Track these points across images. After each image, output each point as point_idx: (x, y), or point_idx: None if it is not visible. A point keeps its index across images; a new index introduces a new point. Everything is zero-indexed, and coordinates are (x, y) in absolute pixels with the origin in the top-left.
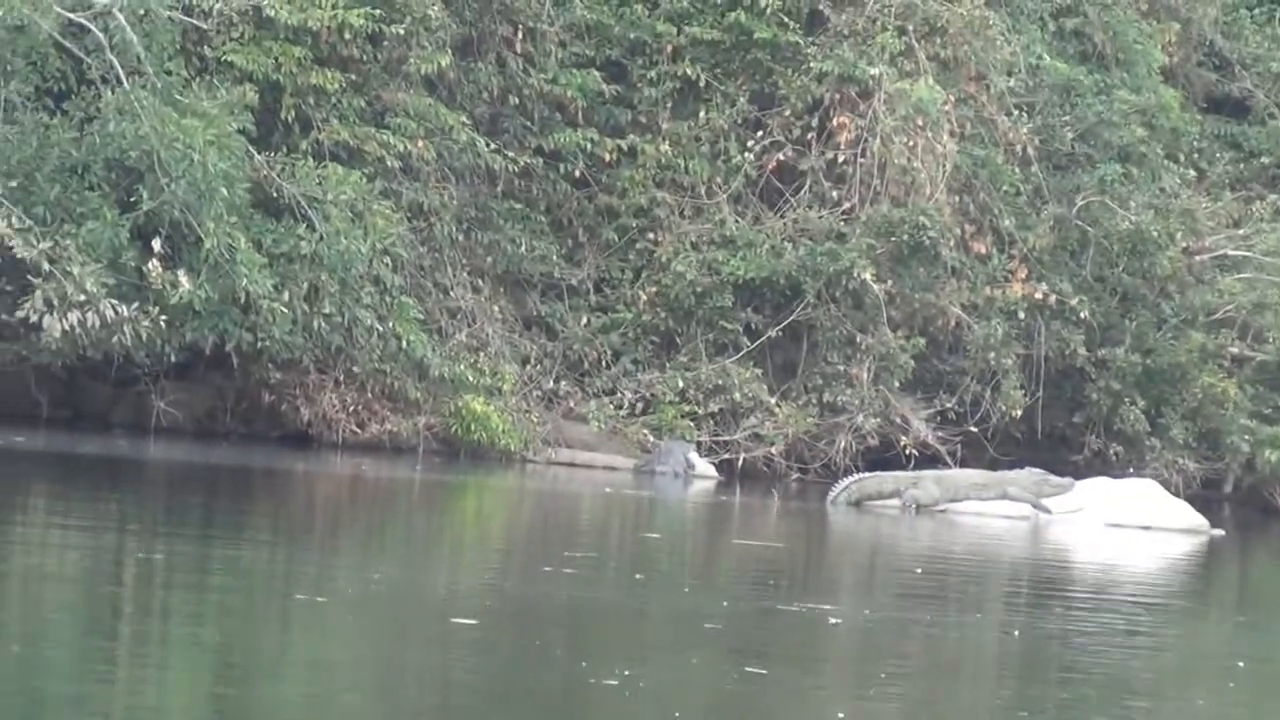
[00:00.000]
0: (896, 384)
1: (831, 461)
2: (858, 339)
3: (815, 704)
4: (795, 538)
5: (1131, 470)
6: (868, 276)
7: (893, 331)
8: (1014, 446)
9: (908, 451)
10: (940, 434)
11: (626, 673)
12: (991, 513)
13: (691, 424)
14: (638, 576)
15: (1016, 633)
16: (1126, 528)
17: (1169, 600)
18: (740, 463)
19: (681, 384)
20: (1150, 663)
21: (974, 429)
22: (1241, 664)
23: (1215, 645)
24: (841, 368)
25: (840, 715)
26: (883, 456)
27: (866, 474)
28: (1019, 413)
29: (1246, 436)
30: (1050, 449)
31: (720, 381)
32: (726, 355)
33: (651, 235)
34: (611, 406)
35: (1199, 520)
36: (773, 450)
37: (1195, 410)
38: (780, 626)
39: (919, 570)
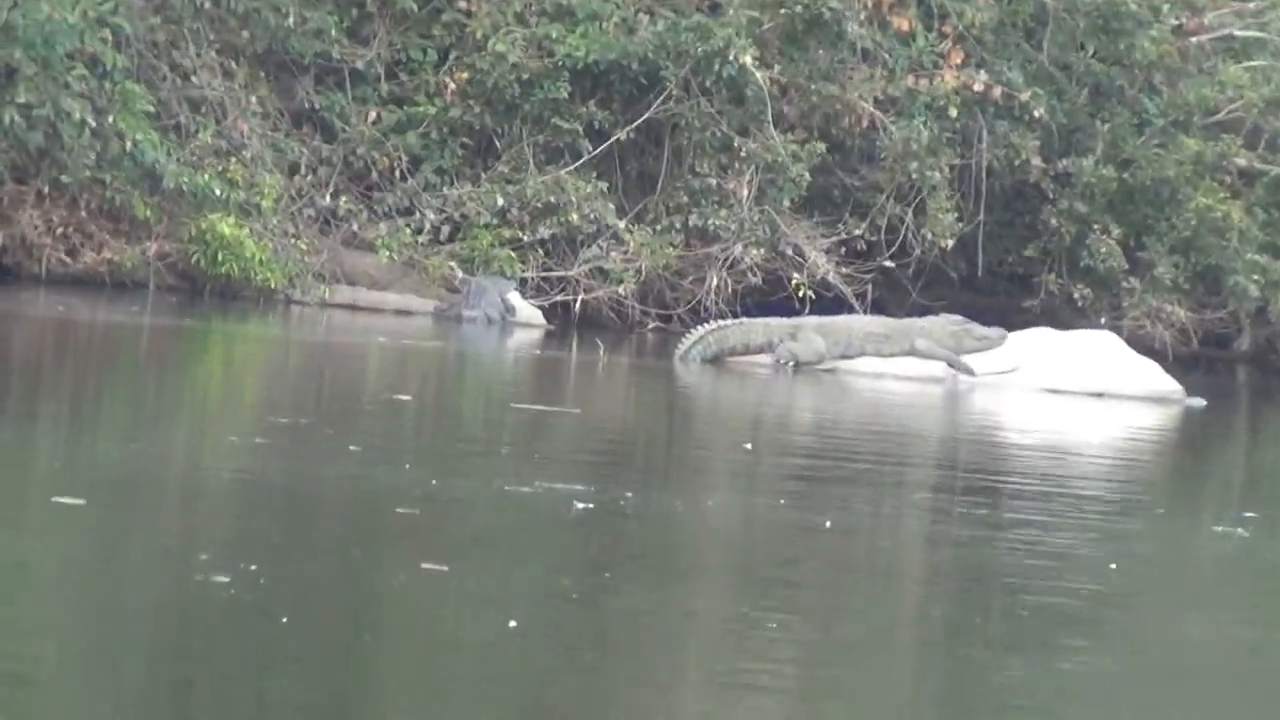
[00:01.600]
0: (787, 203)
1: (700, 305)
2: (736, 144)
3: (490, 611)
4: (606, 402)
5: (1104, 320)
6: (748, 60)
7: (782, 134)
8: (946, 288)
9: (802, 293)
10: (846, 270)
11: (253, 568)
12: (895, 373)
13: (513, 255)
14: (352, 449)
15: (829, 523)
16: (1072, 394)
17: (1106, 492)
18: (578, 306)
19: (501, 201)
20: (1075, 569)
21: (890, 264)
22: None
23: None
24: (714, 181)
25: (513, 624)
26: (768, 300)
27: (729, 322)
28: (950, 243)
29: (1255, 276)
30: (995, 292)
31: (553, 199)
32: (561, 164)
33: (463, 3)
34: (408, 231)
35: (1169, 385)
36: (621, 290)
37: (1188, 241)
38: (499, 512)
39: (747, 445)
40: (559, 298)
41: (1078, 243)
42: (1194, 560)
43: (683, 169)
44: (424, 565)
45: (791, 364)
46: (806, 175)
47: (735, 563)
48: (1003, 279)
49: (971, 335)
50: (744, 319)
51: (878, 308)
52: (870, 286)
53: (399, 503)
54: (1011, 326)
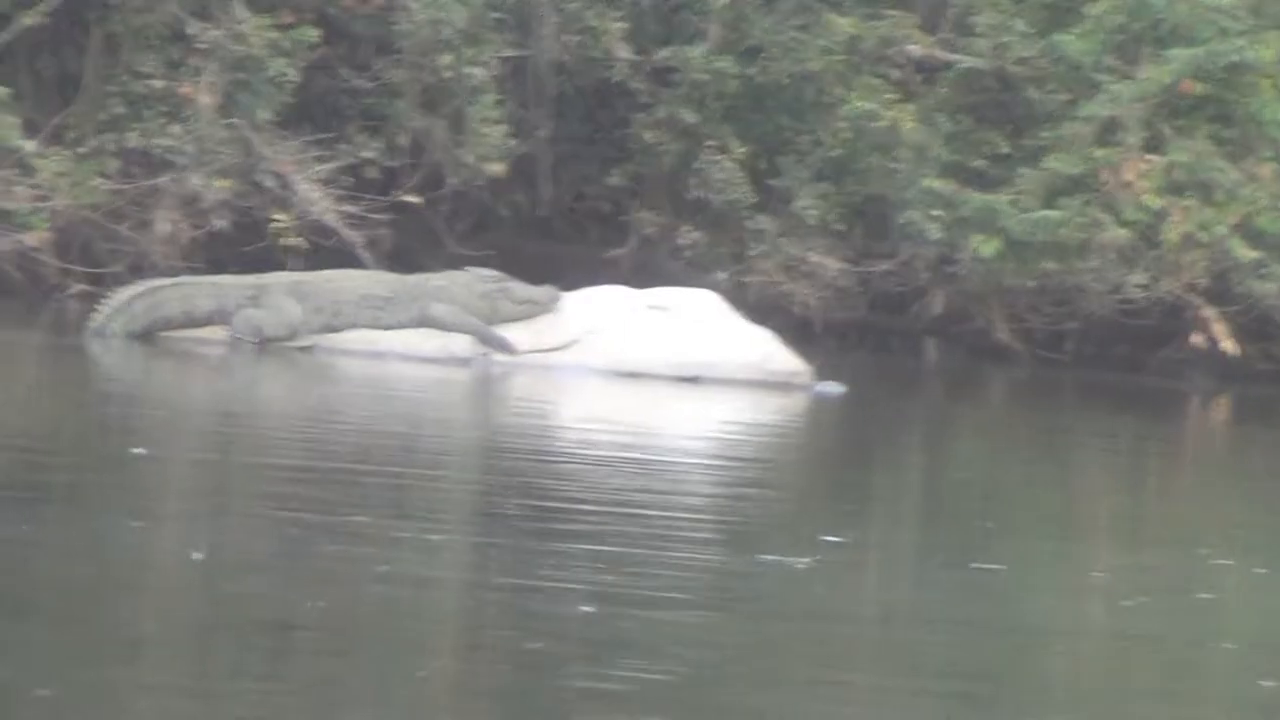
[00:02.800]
0: (266, 115)
1: (145, 260)
2: (191, 30)
3: None
4: None
5: (723, 275)
6: None
7: (258, 16)
8: (499, 233)
9: (288, 241)
10: (351, 209)
11: None
12: (401, 351)
13: None
14: None
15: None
16: (652, 378)
17: (662, 524)
18: None
19: None
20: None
21: (414, 199)
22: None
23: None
24: (161, 84)
25: None
26: (242, 252)
27: (163, 281)
28: (499, 168)
29: (936, 212)
30: (569, 238)
31: None
32: None
33: None
34: None
35: (789, 365)
36: (29, 239)
37: (842, 163)
38: None
39: (139, 450)
40: None
41: (684, 166)
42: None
43: (118, 68)
44: None
45: (253, 339)
46: (293, 74)
47: None
48: (581, 219)
49: (510, 297)
50: (185, 278)
51: (401, 262)
52: (388, 232)
53: None
54: (587, 285)
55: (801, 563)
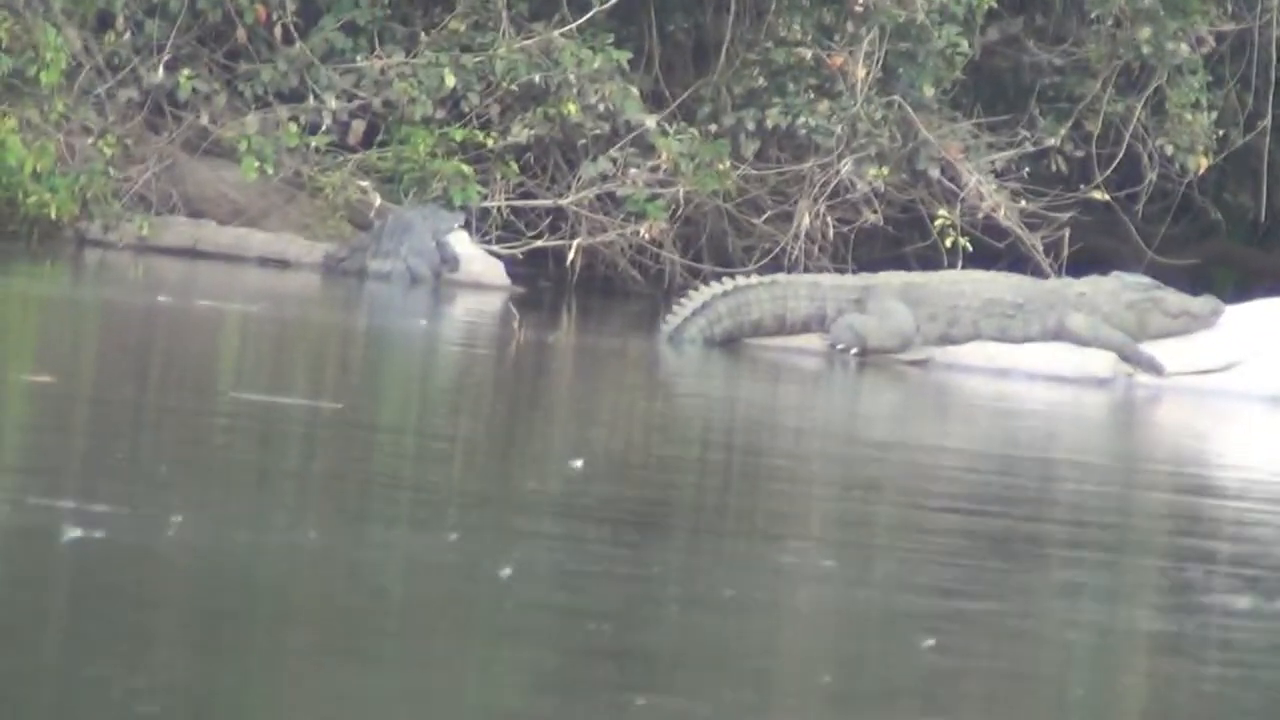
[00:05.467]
0: (931, 92)
1: (786, 257)
2: None
3: None
4: (427, 396)
5: None
6: None
7: None
8: (1204, 238)
9: (953, 241)
10: (1030, 205)
11: None
12: (1030, 368)
13: (468, 171)
14: None
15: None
16: None
17: None
18: (576, 255)
19: (451, 82)
20: None
21: (1102, 195)
22: None
23: None
24: (809, 54)
25: None
26: (899, 252)
27: (752, 280)
28: (1203, 162)
29: None
30: None
31: (538, 78)
32: (554, 21)
33: None
34: (293, 129)
35: None
36: (644, 232)
37: None
38: None
39: (576, 463)
40: (544, 243)
41: None
42: None
43: (758, 33)
44: None
45: (855, 350)
46: (965, 45)
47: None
48: None
49: (1162, 309)
50: (779, 276)
51: (1087, 266)
52: (1069, 232)
53: None
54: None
55: None
